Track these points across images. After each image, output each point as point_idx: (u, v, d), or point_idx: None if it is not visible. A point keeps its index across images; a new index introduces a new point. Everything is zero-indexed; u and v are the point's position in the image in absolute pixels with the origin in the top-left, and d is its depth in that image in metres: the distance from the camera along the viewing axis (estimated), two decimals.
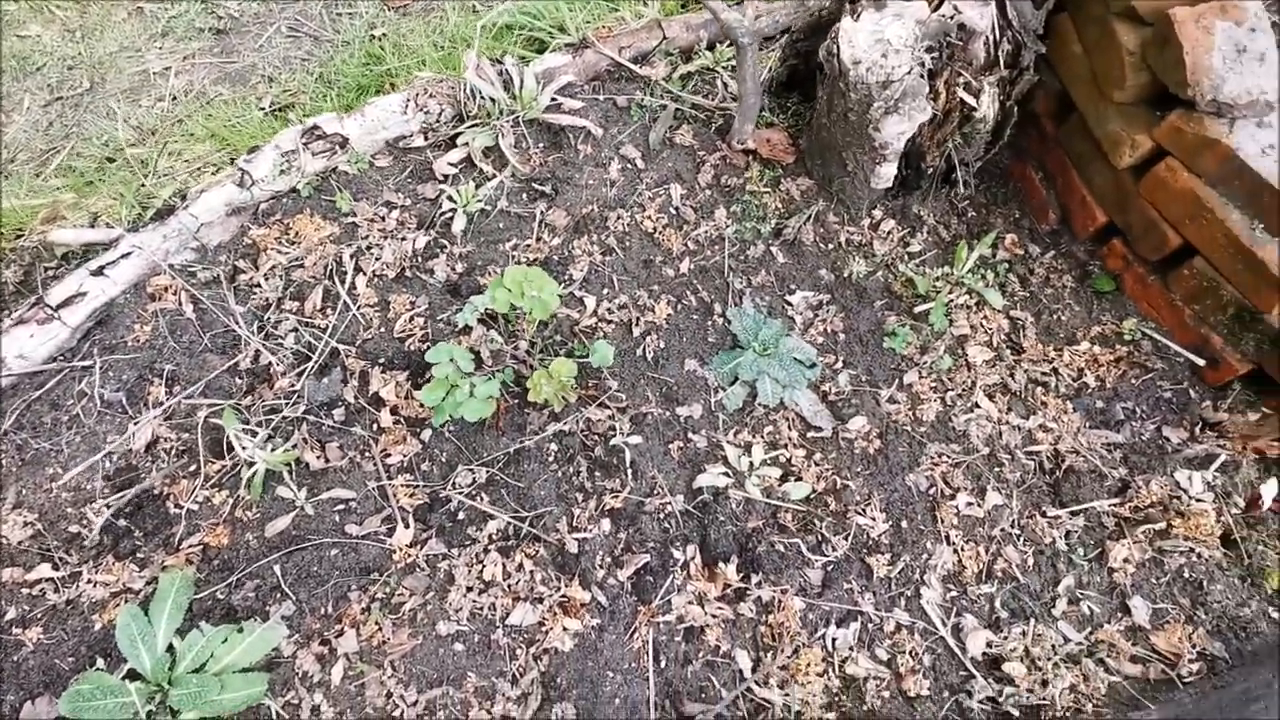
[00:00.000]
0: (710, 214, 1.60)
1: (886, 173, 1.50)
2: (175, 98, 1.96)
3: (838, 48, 1.35)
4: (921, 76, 1.33)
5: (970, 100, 1.40)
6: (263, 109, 1.90)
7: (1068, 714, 1.15)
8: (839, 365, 1.49)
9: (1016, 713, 1.16)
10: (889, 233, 1.60)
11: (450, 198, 1.55)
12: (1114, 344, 1.51)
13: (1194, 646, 1.21)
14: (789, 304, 1.54)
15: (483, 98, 1.60)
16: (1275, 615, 1.25)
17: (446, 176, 1.59)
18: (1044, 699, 1.17)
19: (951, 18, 1.34)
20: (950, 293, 1.54)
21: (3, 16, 2.14)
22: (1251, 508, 1.35)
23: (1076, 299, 1.56)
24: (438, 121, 1.63)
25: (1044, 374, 1.48)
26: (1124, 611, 1.26)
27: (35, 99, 1.97)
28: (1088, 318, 1.54)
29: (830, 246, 1.59)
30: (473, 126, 1.61)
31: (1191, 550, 1.29)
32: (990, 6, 1.36)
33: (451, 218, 1.54)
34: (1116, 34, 1.39)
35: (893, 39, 1.31)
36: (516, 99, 1.62)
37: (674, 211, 1.61)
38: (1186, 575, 1.28)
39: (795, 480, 1.35)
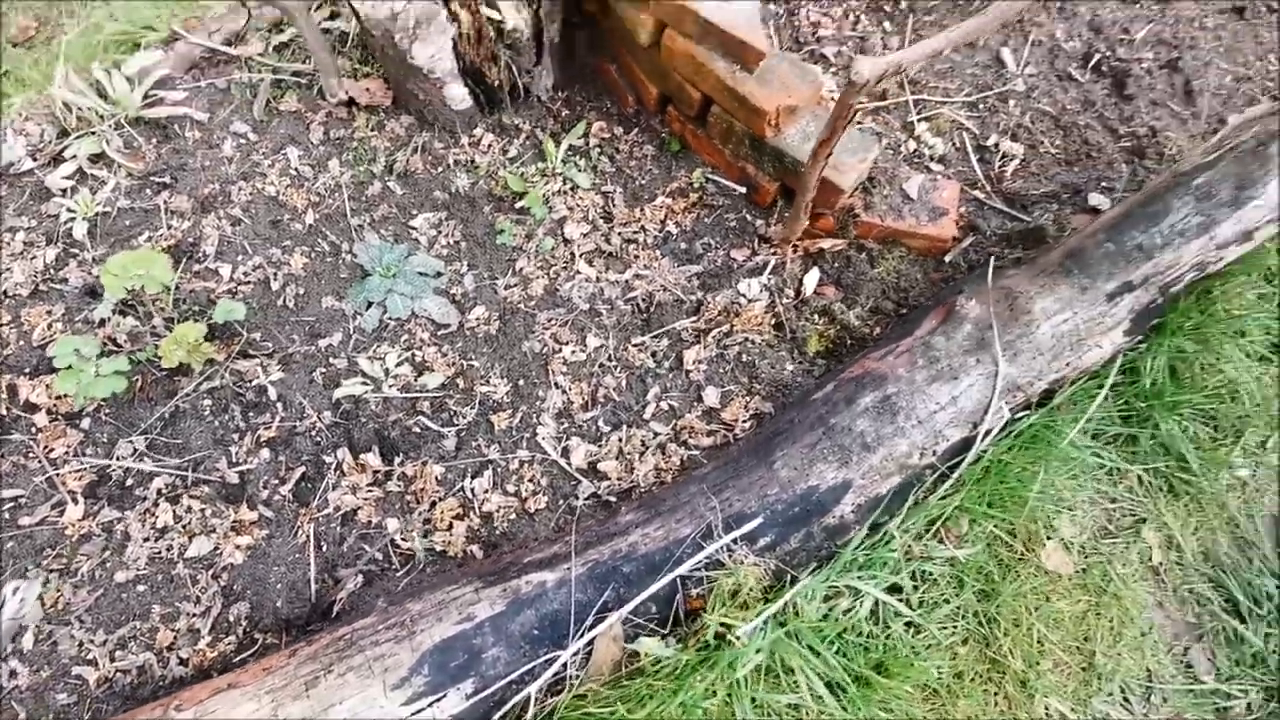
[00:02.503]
0: (326, 166, 1.77)
1: (455, 93, 1.70)
2: None
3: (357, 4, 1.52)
4: (437, 3, 1.53)
5: (494, 14, 1.61)
6: None
7: (652, 488, 1.45)
8: (464, 269, 1.71)
9: (614, 499, 1.45)
10: (489, 145, 1.82)
11: (69, 209, 1.65)
12: (687, 194, 1.79)
13: (748, 411, 1.53)
14: (413, 228, 1.74)
15: (80, 109, 1.69)
16: (809, 372, 1.58)
17: (63, 190, 1.68)
18: (633, 482, 1.45)
19: None
20: (546, 184, 1.78)
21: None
22: (798, 295, 1.67)
23: (656, 164, 1.83)
24: (42, 141, 1.70)
25: (634, 233, 1.75)
26: (699, 400, 1.56)
27: None
28: (666, 177, 1.81)
29: (439, 170, 1.79)
30: (78, 138, 1.70)
31: (747, 339, 1.61)
32: None
33: (72, 226, 1.64)
34: None
35: None
36: (115, 103, 1.71)
37: (294, 172, 1.76)
38: (744, 359, 1.59)
39: (429, 372, 1.58)
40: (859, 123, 1.81)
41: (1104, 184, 1.78)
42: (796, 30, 1.88)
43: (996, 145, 1.81)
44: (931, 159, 1.78)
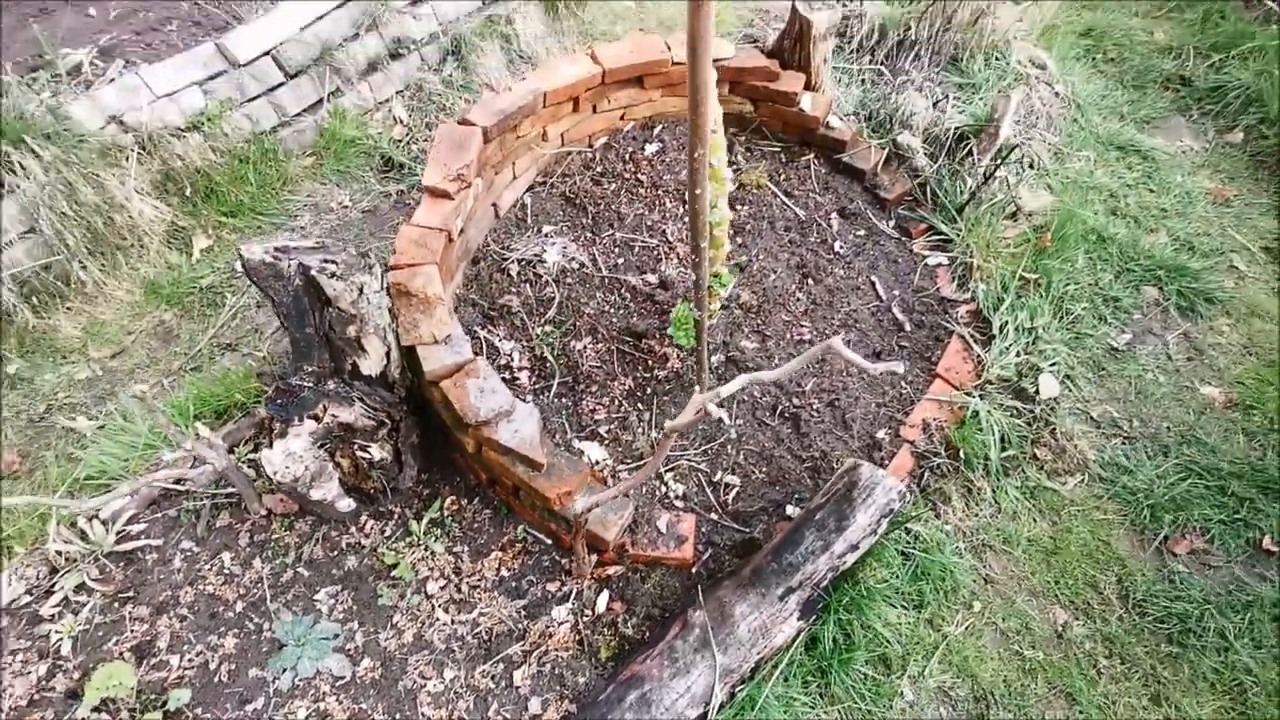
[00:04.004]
0: (251, 564, 2.46)
1: (343, 505, 2.47)
2: None
3: (264, 467, 2.32)
4: (324, 461, 2.34)
5: (364, 455, 2.43)
6: None
7: None
8: (355, 629, 2.37)
9: None
10: (371, 529, 2.56)
11: (56, 631, 2.26)
12: (514, 544, 2.56)
13: (559, 714, 2.18)
14: (316, 601, 2.42)
15: (67, 553, 2.36)
16: (602, 675, 2.27)
17: (52, 616, 2.30)
18: None
19: (334, 421, 2.37)
20: (412, 553, 2.51)
21: None
22: (594, 613, 2.40)
23: (492, 524, 2.61)
24: (38, 580, 2.35)
25: (477, 580, 2.48)
26: (526, 709, 2.20)
27: None
28: (499, 533, 2.58)
29: (335, 553, 2.51)
30: (65, 574, 2.36)
31: (558, 655, 2.30)
32: (357, 406, 2.43)
33: (60, 645, 2.24)
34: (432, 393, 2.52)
35: (296, 450, 2.30)
36: (94, 544, 2.40)
37: (227, 572, 2.44)
38: (555, 672, 2.27)
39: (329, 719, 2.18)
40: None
41: (796, 496, 2.66)
42: (580, 415, 2.78)
43: (721, 479, 2.68)
44: (676, 497, 2.62)
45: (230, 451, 2.56)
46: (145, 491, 2.53)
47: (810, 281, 3.18)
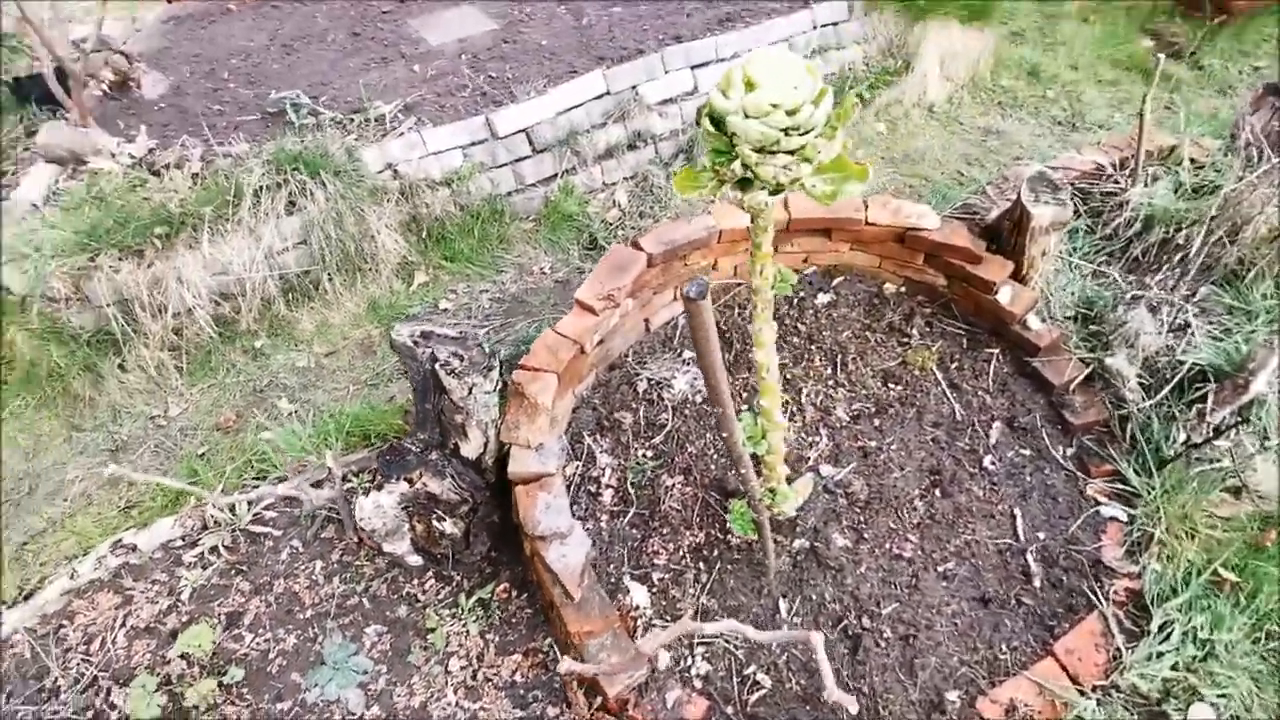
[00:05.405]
0: (331, 579, 2.85)
1: (412, 560, 2.77)
2: (68, 500, 3.33)
3: (355, 511, 2.67)
4: (403, 521, 2.64)
5: (438, 525, 2.69)
6: (119, 508, 3.26)
7: None
8: (383, 673, 2.64)
9: None
10: (429, 586, 2.83)
11: (185, 579, 2.83)
12: (537, 654, 2.66)
13: None
14: (365, 634, 2.73)
15: (216, 521, 2.94)
16: None
17: (189, 564, 2.88)
18: None
19: (423, 489, 2.68)
20: (451, 624, 2.73)
21: None
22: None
23: (529, 626, 2.74)
24: (191, 531, 2.96)
25: (493, 673, 2.62)
26: None
27: None
28: (529, 639, 2.71)
29: (395, 597, 2.82)
30: (209, 533, 2.94)
31: None
32: (448, 481, 2.71)
33: (183, 590, 2.80)
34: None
35: (385, 505, 2.64)
36: (237, 517, 2.95)
37: (314, 579, 2.86)
38: None
39: None
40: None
41: None
42: (642, 552, 2.80)
43: (753, 674, 2.54)
44: (697, 675, 2.54)
45: (354, 475, 3.00)
46: (284, 488, 3.05)
47: (938, 491, 2.88)
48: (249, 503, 2.98)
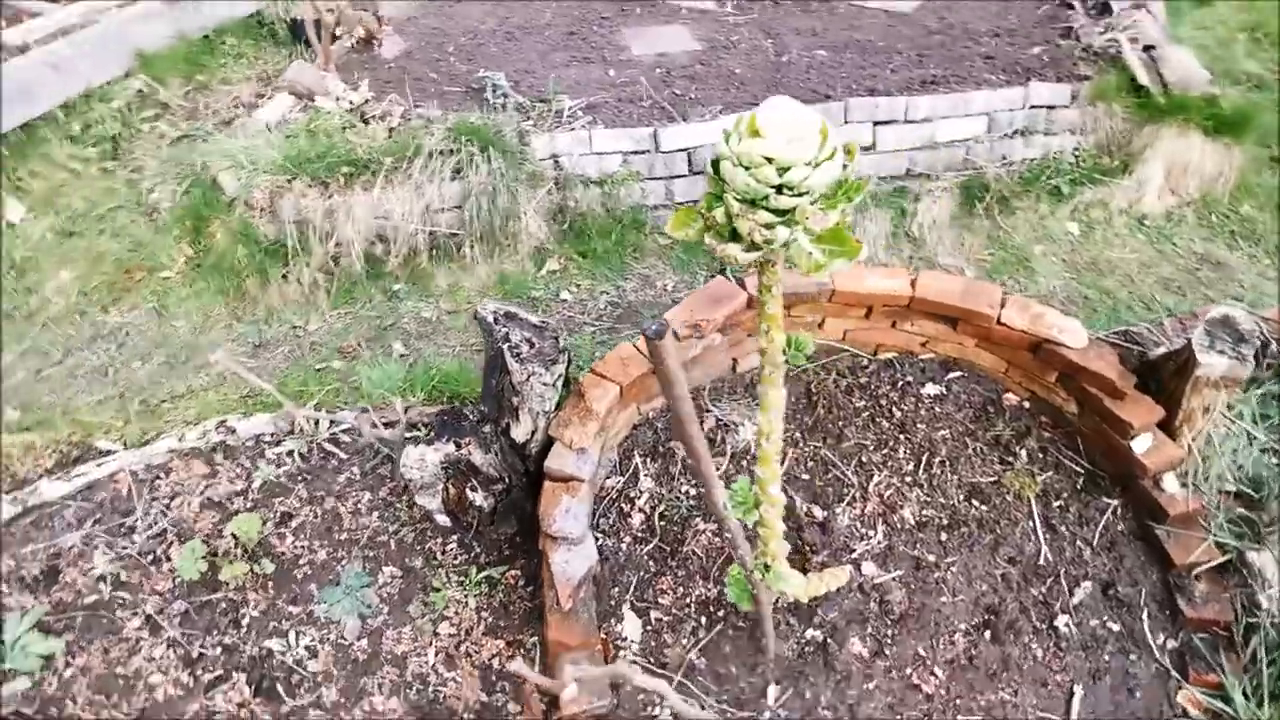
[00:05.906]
0: (372, 512, 3.05)
1: (441, 520, 2.89)
2: (208, 375, 3.83)
3: (402, 458, 2.83)
4: (439, 480, 2.77)
5: (471, 494, 2.79)
6: (241, 394, 3.71)
7: None
8: (382, 611, 2.79)
9: None
10: (450, 549, 2.94)
11: (258, 470, 3.15)
12: (519, 647, 2.67)
13: None
14: (381, 572, 2.89)
15: (300, 428, 3.26)
16: None
17: (272, 459, 3.21)
18: None
19: (467, 456, 2.79)
20: (454, 593, 2.81)
21: None
22: None
23: (522, 618, 2.76)
24: (279, 432, 3.29)
25: (474, 651, 2.67)
26: None
27: None
28: (519, 628, 2.72)
29: (418, 547, 2.95)
30: (292, 438, 3.25)
31: None
32: (491, 455, 2.80)
33: (255, 480, 3.13)
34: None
35: (428, 460, 2.78)
36: (315, 430, 3.25)
37: (357, 507, 3.07)
38: None
39: (313, 659, 2.63)
40: None
41: None
42: (649, 586, 2.72)
43: None
44: None
45: (422, 426, 3.19)
46: (367, 425, 3.31)
47: (988, 634, 2.54)
48: (331, 421, 3.27)
